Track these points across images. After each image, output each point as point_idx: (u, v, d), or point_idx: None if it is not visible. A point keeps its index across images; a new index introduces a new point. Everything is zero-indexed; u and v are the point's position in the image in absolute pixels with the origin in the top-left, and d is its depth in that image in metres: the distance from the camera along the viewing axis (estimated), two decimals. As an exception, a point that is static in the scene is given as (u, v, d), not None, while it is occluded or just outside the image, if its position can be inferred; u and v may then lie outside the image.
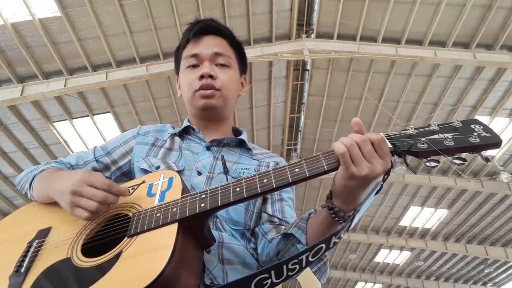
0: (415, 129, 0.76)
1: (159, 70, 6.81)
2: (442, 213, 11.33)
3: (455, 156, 0.73)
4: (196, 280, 0.78)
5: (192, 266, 0.77)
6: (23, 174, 1.09)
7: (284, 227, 0.97)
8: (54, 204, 0.90)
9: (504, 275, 14.30)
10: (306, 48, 6.99)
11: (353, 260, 14.29)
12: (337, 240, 0.71)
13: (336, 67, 7.75)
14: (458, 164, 0.74)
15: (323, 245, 0.70)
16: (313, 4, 6.97)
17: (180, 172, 0.99)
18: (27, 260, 0.81)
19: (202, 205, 0.76)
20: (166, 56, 6.84)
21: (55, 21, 5.93)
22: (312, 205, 11.43)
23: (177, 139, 1.14)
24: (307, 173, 0.75)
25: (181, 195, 0.81)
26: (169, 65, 6.72)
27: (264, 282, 0.69)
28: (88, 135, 7.97)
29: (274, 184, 0.75)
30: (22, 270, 0.79)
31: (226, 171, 0.98)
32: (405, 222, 12.03)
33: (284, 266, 0.69)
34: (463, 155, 0.73)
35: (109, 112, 7.58)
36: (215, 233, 0.87)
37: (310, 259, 0.70)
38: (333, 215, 0.79)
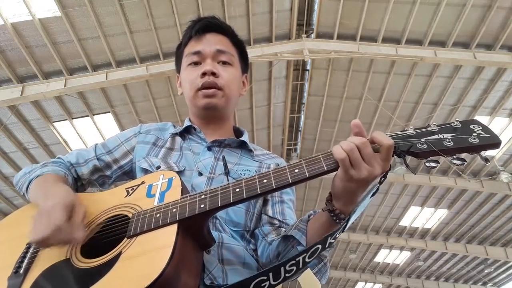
0: (414, 129, 0.77)
1: (159, 70, 6.81)
2: (442, 213, 11.33)
3: (454, 156, 0.73)
4: (196, 281, 0.78)
5: (192, 267, 0.77)
6: (20, 174, 1.07)
7: (284, 229, 0.97)
8: None
9: (504, 275, 14.30)
10: (306, 48, 6.99)
11: (353, 260, 14.29)
12: (333, 241, 0.71)
13: (336, 67, 7.75)
14: (457, 165, 0.74)
15: (319, 246, 0.71)
16: (313, 4, 6.97)
17: (180, 172, 0.99)
18: (26, 261, 0.80)
19: (202, 205, 0.76)
20: (166, 56, 6.84)
21: (55, 21, 5.93)
22: (312, 206, 11.43)
23: (178, 138, 1.13)
24: (307, 174, 0.75)
25: (181, 195, 0.80)
26: (169, 65, 6.72)
27: (263, 285, 0.69)
28: (88, 135, 7.97)
29: (274, 185, 0.75)
30: (21, 271, 0.79)
31: (227, 172, 0.98)
32: (405, 222, 12.03)
33: (282, 268, 0.70)
34: (463, 155, 0.73)
35: (109, 112, 7.58)
36: (214, 233, 0.87)
37: (307, 259, 0.71)
38: (334, 217, 0.79)
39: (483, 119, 7.93)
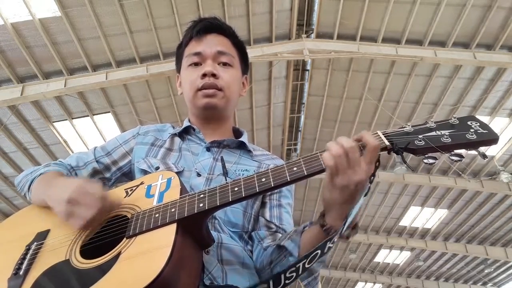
0: (412, 126, 0.76)
1: (159, 70, 6.81)
2: (442, 213, 11.33)
3: (452, 152, 0.73)
4: (196, 281, 0.78)
5: (191, 267, 0.77)
6: (22, 175, 1.08)
7: (280, 235, 0.97)
8: None
9: (504, 275, 14.30)
10: (306, 48, 6.99)
11: (353, 260, 14.29)
12: (332, 245, 0.71)
13: (336, 67, 7.75)
14: (455, 161, 0.74)
15: (318, 251, 0.71)
16: (313, 4, 6.97)
17: (179, 173, 0.99)
18: (25, 262, 0.81)
19: (201, 205, 0.76)
20: (166, 56, 6.84)
21: (55, 21, 5.93)
22: (312, 205, 11.44)
23: (177, 139, 1.13)
24: (305, 172, 0.75)
25: (180, 195, 0.80)
26: (169, 65, 6.72)
27: None
28: (88, 135, 7.97)
29: (272, 183, 0.75)
30: (21, 272, 0.79)
31: (225, 173, 0.98)
32: (405, 222, 12.03)
33: (282, 276, 0.71)
34: (461, 151, 0.73)
35: (109, 112, 7.58)
36: (214, 234, 0.87)
37: (306, 265, 0.71)
38: (325, 232, 0.79)
39: (483, 119, 7.87)
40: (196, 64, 1.11)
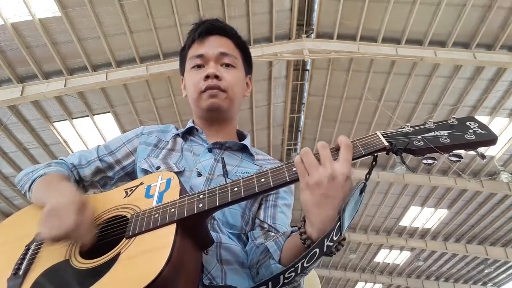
0: (411, 127, 0.76)
1: (159, 70, 6.81)
2: (442, 213, 11.33)
3: (451, 153, 0.73)
4: (195, 281, 0.78)
5: (190, 267, 0.77)
6: (23, 173, 1.08)
7: (273, 234, 0.96)
8: None
9: (504, 275, 14.31)
10: (306, 48, 7.00)
11: (353, 260, 14.29)
12: (330, 243, 0.68)
13: (336, 67, 7.75)
14: (454, 161, 0.73)
15: (317, 250, 0.69)
16: (313, 4, 6.97)
17: (180, 173, 0.99)
18: (25, 262, 0.81)
19: (200, 205, 0.76)
20: (166, 56, 6.84)
21: (55, 21, 5.93)
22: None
23: (179, 140, 1.13)
24: None
25: (179, 195, 0.80)
26: (169, 65, 6.73)
27: None
28: (88, 135, 7.98)
29: (271, 184, 0.75)
30: (20, 272, 0.79)
31: (225, 173, 0.98)
32: (405, 222, 12.03)
33: (281, 276, 0.70)
34: (459, 152, 0.73)
35: (109, 112, 7.58)
36: (213, 234, 0.87)
37: (305, 265, 0.70)
38: (302, 241, 0.74)
39: (483, 119, 7.93)
40: (199, 66, 1.11)
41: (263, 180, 0.76)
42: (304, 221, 0.76)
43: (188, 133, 1.15)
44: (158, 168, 1.01)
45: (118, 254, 0.73)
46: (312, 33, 7.34)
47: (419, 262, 13.82)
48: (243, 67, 1.18)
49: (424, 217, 11.69)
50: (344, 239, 0.71)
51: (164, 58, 6.86)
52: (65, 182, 0.97)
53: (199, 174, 1.00)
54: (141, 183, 0.90)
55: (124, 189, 0.90)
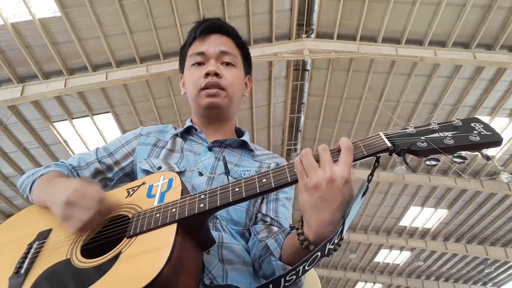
0: (414, 128, 0.76)
1: (159, 70, 6.81)
2: (442, 213, 11.33)
3: (455, 154, 0.72)
4: (196, 281, 0.78)
5: (191, 267, 0.77)
6: (24, 177, 1.09)
7: (275, 228, 0.97)
8: None
9: (504, 275, 14.30)
10: (306, 48, 7.00)
11: (353, 260, 14.29)
12: (331, 247, 0.68)
13: (336, 67, 7.75)
14: (458, 163, 0.73)
15: (319, 253, 0.69)
16: (313, 4, 6.97)
17: (181, 173, 0.99)
18: (27, 261, 0.81)
19: (201, 205, 0.76)
20: (166, 56, 6.84)
21: (55, 21, 5.93)
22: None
23: (178, 140, 1.13)
24: None
25: (181, 195, 0.81)
26: (169, 65, 6.72)
27: None
28: (88, 135, 7.97)
29: (273, 184, 0.75)
30: (22, 271, 0.79)
31: (227, 172, 0.98)
32: (405, 222, 12.03)
33: (282, 279, 0.70)
34: (463, 153, 0.73)
35: (109, 112, 7.58)
36: (214, 233, 0.87)
37: (306, 268, 0.70)
38: (300, 242, 0.74)
39: (483, 119, 7.90)
40: (199, 64, 1.12)
41: (264, 180, 0.76)
42: (302, 222, 0.76)
43: (187, 133, 1.16)
44: (159, 168, 1.01)
45: (119, 254, 0.73)
46: (312, 33, 7.34)
47: (419, 262, 13.82)
48: (242, 67, 1.19)
49: (424, 217, 11.68)
50: (341, 239, 0.71)
51: (164, 58, 6.86)
52: (64, 177, 0.98)
53: (201, 174, 1.01)
54: (143, 183, 0.90)
55: (126, 189, 0.91)
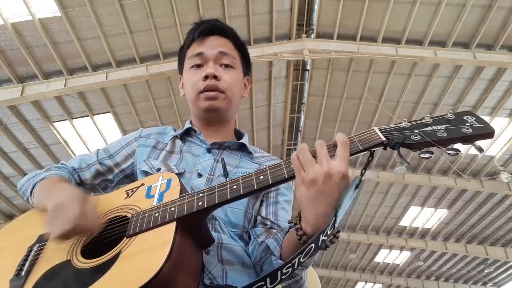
0: (408, 122, 0.77)
1: (159, 70, 6.82)
2: (442, 213, 11.33)
3: (448, 147, 0.74)
4: (195, 280, 0.78)
5: (190, 266, 0.77)
6: (24, 180, 1.09)
7: (275, 230, 0.97)
8: None
9: (504, 275, 14.31)
10: (306, 48, 7.00)
11: (353, 260, 14.30)
12: (325, 238, 0.69)
13: (336, 67, 7.76)
14: (451, 155, 0.74)
15: (313, 245, 0.70)
16: (313, 4, 6.97)
17: (180, 174, 1.00)
18: (27, 264, 0.82)
19: (200, 203, 0.76)
20: (166, 56, 6.85)
21: (55, 21, 5.93)
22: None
23: (178, 141, 1.14)
24: None
25: (179, 195, 0.81)
26: (169, 65, 6.73)
27: None
28: (88, 135, 7.98)
29: (270, 180, 0.75)
30: (23, 273, 0.80)
31: (226, 174, 0.98)
32: (405, 222, 12.04)
33: (279, 272, 0.70)
34: (457, 145, 0.74)
35: (109, 112, 7.58)
36: (214, 234, 0.87)
37: (301, 260, 0.70)
38: (298, 237, 0.76)
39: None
40: (198, 66, 1.12)
41: (261, 177, 0.76)
42: (300, 217, 0.77)
43: (186, 134, 1.16)
44: (158, 169, 1.02)
45: (119, 253, 0.74)
46: (312, 33, 7.34)
47: (419, 262, 13.83)
48: (241, 68, 1.19)
49: (424, 217, 11.69)
50: (338, 231, 0.72)
51: (164, 58, 6.86)
52: (64, 183, 0.98)
53: (200, 175, 1.01)
54: (142, 184, 0.91)
55: (125, 190, 0.91)
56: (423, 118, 0.77)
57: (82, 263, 0.76)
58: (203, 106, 1.09)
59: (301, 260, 0.70)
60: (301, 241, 0.74)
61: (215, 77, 1.08)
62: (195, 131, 1.14)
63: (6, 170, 8.26)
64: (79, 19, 5.99)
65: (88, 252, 0.79)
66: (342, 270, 15.21)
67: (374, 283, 15.69)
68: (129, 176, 1.13)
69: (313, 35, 7.33)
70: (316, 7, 6.96)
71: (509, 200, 10.27)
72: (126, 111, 7.67)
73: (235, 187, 0.77)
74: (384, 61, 7.37)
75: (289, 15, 7.00)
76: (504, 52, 6.91)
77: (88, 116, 7.55)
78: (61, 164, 1.14)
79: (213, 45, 1.12)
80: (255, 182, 0.76)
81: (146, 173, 1.03)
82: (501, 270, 13.95)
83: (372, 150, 0.75)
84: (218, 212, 0.94)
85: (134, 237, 0.76)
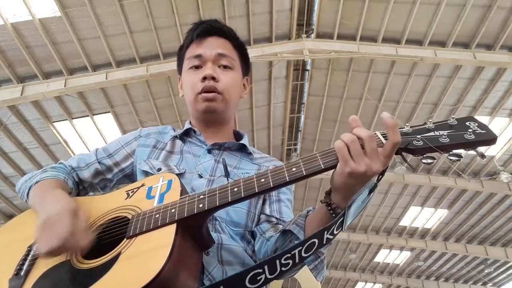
0: (411, 127, 0.77)
1: (159, 70, 6.81)
2: (442, 213, 11.33)
3: (450, 152, 0.74)
4: (195, 281, 0.78)
5: (190, 267, 0.77)
6: (21, 182, 1.08)
7: (282, 226, 0.97)
8: None
9: (504, 275, 14.31)
10: (306, 48, 7.00)
11: (353, 260, 14.30)
12: (330, 237, 0.70)
13: (336, 67, 7.75)
14: (454, 161, 0.74)
15: (315, 240, 0.70)
16: (313, 4, 6.97)
17: (181, 175, 0.99)
18: (26, 263, 0.81)
19: (200, 205, 0.76)
20: (166, 56, 6.84)
21: (55, 21, 5.93)
22: (312, 205, 11.37)
23: (178, 141, 1.14)
24: (304, 172, 0.75)
25: (180, 196, 0.81)
26: (169, 65, 6.72)
27: (258, 278, 0.69)
28: (88, 135, 7.97)
29: (271, 184, 0.75)
30: (22, 273, 0.79)
31: (227, 175, 0.98)
32: (405, 222, 12.04)
33: (277, 261, 0.70)
34: (459, 151, 0.74)
35: (109, 112, 7.58)
36: (214, 235, 0.87)
37: (303, 254, 0.70)
38: (331, 211, 0.79)
39: (483, 119, 7.92)
40: (196, 67, 1.12)
41: (263, 180, 0.76)
42: (329, 194, 0.81)
43: (186, 135, 1.16)
44: (159, 170, 1.02)
45: (119, 254, 0.73)
46: (312, 33, 7.34)
47: (419, 262, 13.83)
48: (240, 69, 1.19)
49: (424, 217, 11.69)
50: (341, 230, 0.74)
51: (164, 58, 6.86)
52: (57, 190, 0.95)
53: (200, 176, 1.01)
54: (143, 185, 0.90)
55: (126, 191, 0.91)
56: (425, 123, 0.77)
57: (82, 263, 0.76)
58: (201, 108, 1.09)
59: (303, 254, 0.71)
60: (334, 214, 0.78)
61: (213, 78, 1.08)
62: (195, 132, 1.14)
63: (6, 170, 8.26)
64: (79, 19, 5.99)
65: (88, 252, 0.79)
66: (342, 270, 15.21)
67: (374, 283, 15.70)
68: (129, 176, 1.12)
69: (313, 35, 7.33)
70: (316, 7, 6.96)
71: (509, 200, 10.27)
72: (126, 111, 7.67)
73: (236, 189, 0.77)
74: (384, 61, 7.37)
75: (289, 15, 6.99)
76: (504, 52, 6.91)
77: (88, 116, 7.54)
78: (59, 163, 1.13)
79: (212, 46, 1.12)
80: (256, 185, 0.76)
81: (146, 173, 1.03)
82: (501, 270, 13.96)
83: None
84: (219, 212, 0.93)
85: (134, 238, 0.76)
